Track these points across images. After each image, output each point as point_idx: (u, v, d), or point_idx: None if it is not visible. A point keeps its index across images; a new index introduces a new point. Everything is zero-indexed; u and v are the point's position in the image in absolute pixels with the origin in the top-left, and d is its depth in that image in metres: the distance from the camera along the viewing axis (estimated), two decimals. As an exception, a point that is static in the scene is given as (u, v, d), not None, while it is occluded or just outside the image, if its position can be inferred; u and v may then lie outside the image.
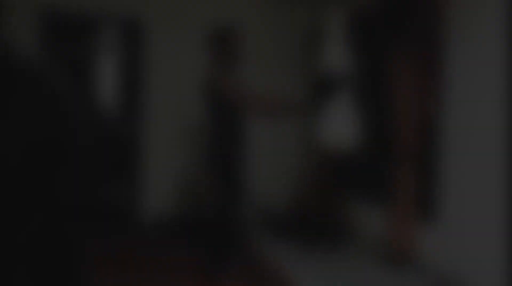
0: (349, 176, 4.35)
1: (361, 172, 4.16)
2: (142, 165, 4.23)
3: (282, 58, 4.62)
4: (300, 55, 3.33)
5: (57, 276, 0.72)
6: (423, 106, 3.03)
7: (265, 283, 2.89)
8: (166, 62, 4.33)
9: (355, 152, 3.91)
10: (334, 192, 4.46)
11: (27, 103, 0.60)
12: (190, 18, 4.38)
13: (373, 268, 3.30)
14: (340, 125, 3.08)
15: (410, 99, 3.18)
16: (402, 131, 3.27)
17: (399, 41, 3.20)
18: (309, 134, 3.12)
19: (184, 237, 4.00)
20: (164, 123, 4.41)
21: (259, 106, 2.48)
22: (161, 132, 4.38)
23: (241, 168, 2.71)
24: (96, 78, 4.26)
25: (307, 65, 3.19)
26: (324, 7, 3.05)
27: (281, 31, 4.46)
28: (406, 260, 3.30)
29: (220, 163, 2.56)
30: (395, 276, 3.13)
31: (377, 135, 3.88)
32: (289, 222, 4.70)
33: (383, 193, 3.77)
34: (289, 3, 4.24)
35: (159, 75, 4.30)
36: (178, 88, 4.39)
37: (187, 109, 4.42)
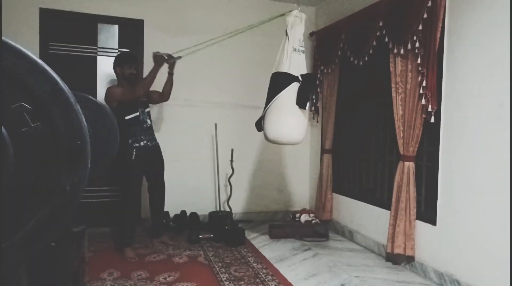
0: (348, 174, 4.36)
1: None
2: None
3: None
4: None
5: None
6: (422, 106, 3.02)
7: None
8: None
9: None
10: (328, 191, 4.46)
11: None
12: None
13: (373, 268, 3.30)
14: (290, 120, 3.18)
15: (410, 99, 3.17)
16: (401, 131, 3.27)
17: (398, 41, 3.20)
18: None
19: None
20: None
21: None
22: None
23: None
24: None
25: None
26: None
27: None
28: (406, 260, 3.30)
29: None
30: (395, 276, 3.13)
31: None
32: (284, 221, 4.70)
33: (384, 194, 3.78)
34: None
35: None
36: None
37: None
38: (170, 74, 3.71)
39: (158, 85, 3.69)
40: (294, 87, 3.10)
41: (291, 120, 3.15)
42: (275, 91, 3.13)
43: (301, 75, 3.13)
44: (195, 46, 3.52)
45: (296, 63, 3.16)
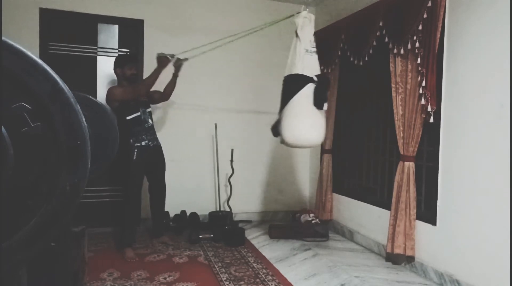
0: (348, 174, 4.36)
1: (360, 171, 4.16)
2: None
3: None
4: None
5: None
6: (422, 106, 3.02)
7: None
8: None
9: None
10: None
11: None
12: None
13: (373, 268, 3.30)
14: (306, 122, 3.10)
15: (410, 99, 3.17)
16: (401, 131, 3.27)
17: (398, 41, 3.20)
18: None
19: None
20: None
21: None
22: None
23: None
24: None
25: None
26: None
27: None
28: (406, 260, 3.30)
29: None
30: (395, 276, 3.13)
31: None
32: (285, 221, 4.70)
33: (384, 193, 3.78)
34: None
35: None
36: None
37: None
38: (175, 76, 3.71)
39: (159, 85, 3.70)
40: (309, 88, 3.03)
41: (309, 122, 3.03)
42: (290, 94, 3.03)
43: (316, 76, 3.08)
44: (200, 47, 3.48)
45: (309, 64, 3.09)
